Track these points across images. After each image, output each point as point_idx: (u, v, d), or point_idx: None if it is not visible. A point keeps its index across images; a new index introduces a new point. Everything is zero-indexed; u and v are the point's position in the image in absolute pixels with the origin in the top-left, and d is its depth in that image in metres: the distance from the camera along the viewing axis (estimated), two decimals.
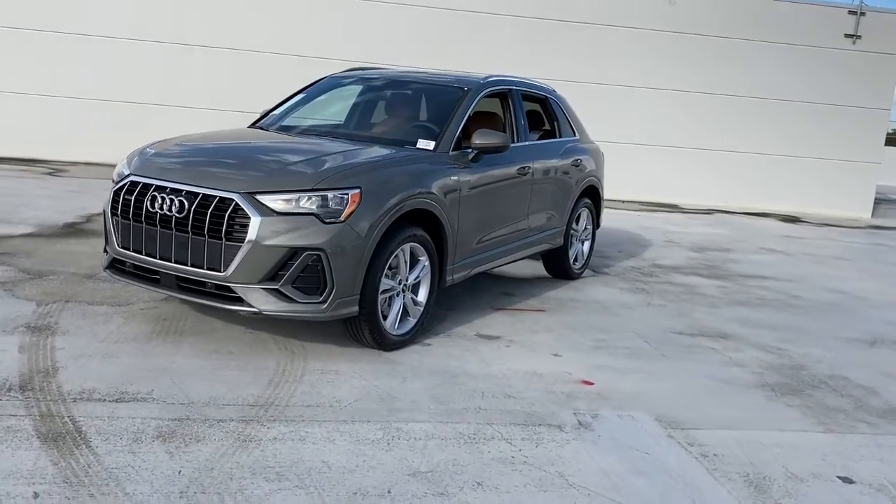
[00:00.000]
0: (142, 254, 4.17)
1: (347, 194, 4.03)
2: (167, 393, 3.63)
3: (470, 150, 4.96)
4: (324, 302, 3.99)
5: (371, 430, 3.42)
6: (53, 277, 5.36)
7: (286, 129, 5.35)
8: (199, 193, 4.00)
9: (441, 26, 13.04)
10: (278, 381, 3.88)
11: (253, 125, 5.59)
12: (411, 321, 4.59)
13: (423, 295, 4.65)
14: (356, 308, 4.12)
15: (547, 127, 6.48)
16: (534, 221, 5.86)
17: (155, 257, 4.12)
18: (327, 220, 3.95)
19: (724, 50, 13.83)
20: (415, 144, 4.85)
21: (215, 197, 3.95)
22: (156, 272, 4.15)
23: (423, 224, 4.56)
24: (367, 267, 4.12)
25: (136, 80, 12.41)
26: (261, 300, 3.94)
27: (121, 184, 4.31)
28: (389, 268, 4.35)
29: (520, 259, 5.99)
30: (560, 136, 6.48)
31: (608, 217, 10.92)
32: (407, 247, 4.42)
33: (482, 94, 5.41)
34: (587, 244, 6.98)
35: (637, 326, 5.47)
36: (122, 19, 12.34)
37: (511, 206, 5.52)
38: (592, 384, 4.25)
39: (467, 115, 5.16)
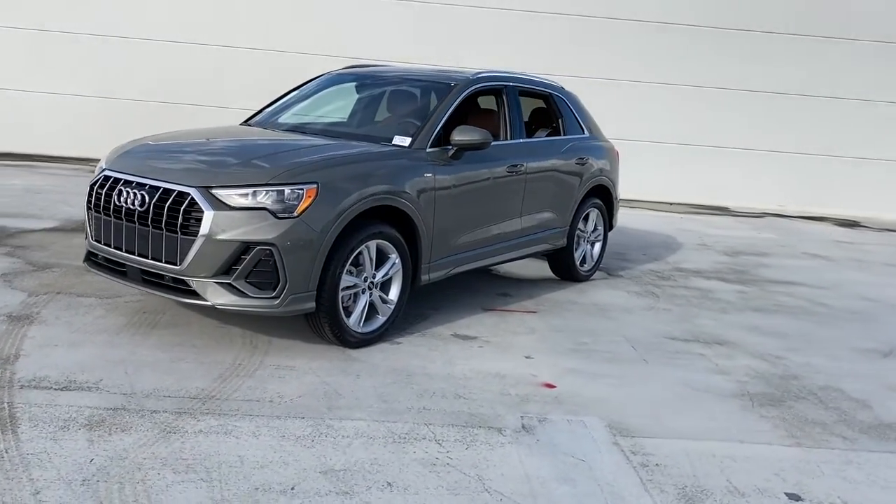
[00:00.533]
0: (111, 247, 4.27)
1: (303, 189, 4.02)
2: (115, 383, 3.69)
3: (450, 147, 4.88)
4: (276, 297, 3.99)
5: (301, 426, 3.40)
6: (56, 270, 5.55)
7: (271, 126, 5.39)
8: (159, 188, 4.06)
9: (487, 23, 12.95)
10: (229, 375, 3.89)
11: (245, 122, 5.65)
12: (380, 319, 4.54)
13: (394, 293, 4.60)
14: (312, 304, 4.10)
15: (555, 125, 6.33)
16: (530, 221, 5.73)
17: (122, 250, 4.21)
18: (280, 216, 3.95)
19: (784, 46, 13.25)
20: (391, 141, 4.80)
21: (174, 191, 4.00)
22: (123, 265, 4.24)
23: (394, 221, 4.51)
24: (325, 263, 4.09)
25: (186, 83, 12.75)
26: (214, 294, 3.97)
27: (96, 178, 4.42)
28: (355, 265, 4.33)
29: (514, 259, 5.86)
30: (564, 134, 6.32)
31: (644, 220, 10.67)
32: (373, 244, 4.37)
33: (469, 90, 5.32)
34: (598, 246, 6.79)
35: (630, 330, 5.27)
36: (173, 23, 12.72)
37: (500, 205, 5.40)
38: (554, 387, 4.11)
39: (450, 111, 5.08)
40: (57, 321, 4.47)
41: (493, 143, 5.44)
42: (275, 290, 3.98)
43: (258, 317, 4.53)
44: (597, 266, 6.81)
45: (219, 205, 3.93)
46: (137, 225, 4.10)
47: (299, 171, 4.11)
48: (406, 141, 4.78)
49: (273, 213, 3.94)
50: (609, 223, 6.94)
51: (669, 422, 3.79)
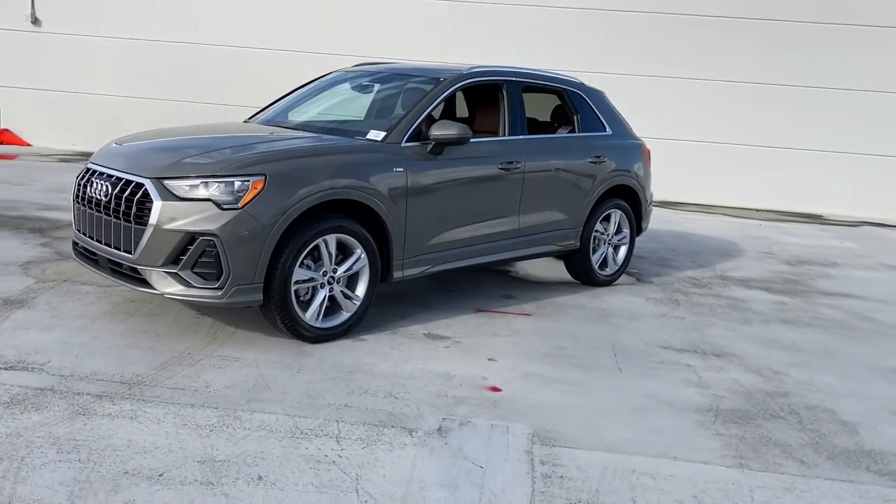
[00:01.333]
0: (86, 236, 4.45)
1: (249, 181, 4.04)
2: (59, 365, 3.83)
3: (429, 142, 4.77)
4: (220, 288, 4.02)
5: (209, 416, 3.40)
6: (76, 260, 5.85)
7: (266, 123, 5.45)
8: (121, 178, 4.20)
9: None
10: (172, 364, 3.96)
11: (247, 119, 5.76)
12: (344, 315, 4.49)
13: (361, 289, 4.54)
14: (259, 296, 4.11)
15: (570, 121, 6.09)
16: (530, 220, 5.52)
17: (93, 239, 4.38)
18: (225, 207, 3.98)
19: (889, 39, 12.19)
20: (366, 135, 4.76)
21: (132, 182, 4.12)
22: (95, 254, 4.41)
23: (360, 216, 4.46)
24: (273, 255, 4.09)
25: (254, 83, 12.65)
26: (163, 283, 4.05)
27: (81, 170, 4.63)
28: (314, 258, 4.31)
29: (512, 259, 5.65)
30: (580, 131, 6.05)
31: (717, 226, 10.10)
32: (332, 238, 4.33)
33: (456, 86, 5.20)
34: (623, 249, 6.45)
35: (622, 337, 4.97)
36: (245, 31, 13.07)
37: (490, 203, 5.23)
38: (500, 391, 3.93)
39: (432, 106, 4.98)
40: (45, 306, 4.70)
41: (489, 140, 5.34)
42: (218, 280, 4.02)
43: (231, 308, 4.58)
44: (621, 270, 6.47)
45: (168, 195, 4.01)
46: (103, 215, 4.25)
47: (247, 163, 4.14)
48: (380, 135, 4.72)
49: (218, 205, 3.98)
50: (637, 226, 6.59)
51: (607, 433, 3.52)
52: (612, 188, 6.19)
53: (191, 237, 3.98)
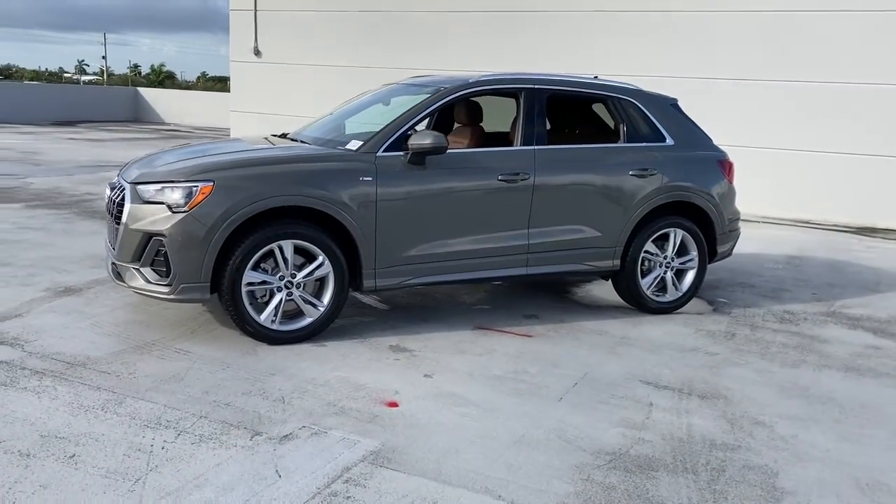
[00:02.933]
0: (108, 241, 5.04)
1: (197, 187, 4.32)
2: (39, 344, 4.39)
3: (408, 153, 4.72)
4: (169, 285, 4.34)
5: (100, 398, 3.69)
6: None
7: (292, 135, 5.71)
8: (117, 185, 4.72)
9: None
10: (128, 351, 4.36)
11: (277, 134, 5.94)
12: (306, 320, 4.60)
13: (326, 297, 4.61)
14: (206, 294, 4.36)
15: (614, 131, 5.61)
16: (545, 237, 5.18)
17: (108, 241, 4.95)
18: (175, 210, 4.30)
19: None
20: (346, 145, 4.83)
21: (122, 187, 4.62)
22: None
23: (326, 223, 4.54)
24: (221, 257, 4.32)
25: None
26: (130, 278, 4.48)
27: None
28: (273, 263, 4.47)
29: (522, 277, 5.26)
30: (627, 141, 5.54)
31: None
32: (288, 243, 4.46)
33: (455, 95, 5.08)
34: (689, 275, 5.76)
35: (608, 368, 4.49)
36: None
37: (490, 217, 5.00)
38: (396, 406, 3.77)
39: (420, 115, 4.92)
40: (88, 297, 5.38)
41: (488, 151, 5.19)
42: (168, 277, 4.34)
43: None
44: (686, 298, 5.78)
45: (137, 199, 4.43)
46: (111, 218, 4.80)
47: (199, 171, 4.43)
48: (356, 145, 4.77)
49: (170, 207, 4.32)
50: (711, 249, 5.85)
51: (455, 462, 3.24)
52: (668, 204, 5.58)
53: (148, 237, 4.35)
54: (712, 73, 11.41)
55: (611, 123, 5.75)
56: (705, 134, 5.96)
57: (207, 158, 4.69)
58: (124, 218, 4.43)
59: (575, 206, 5.27)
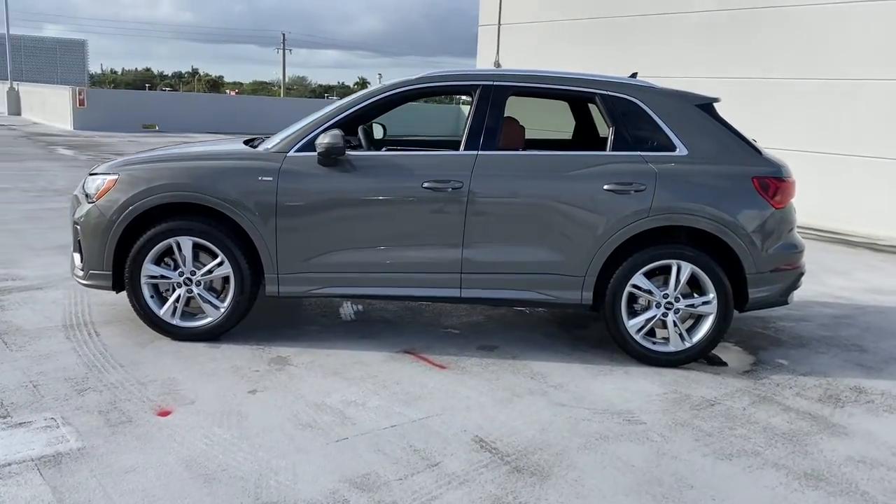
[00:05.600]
0: None
1: (104, 180, 4.54)
2: (25, 317, 4.94)
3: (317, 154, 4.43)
4: (83, 270, 4.63)
5: None
6: None
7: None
8: None
9: None
10: (74, 327, 4.75)
11: None
12: (205, 318, 4.58)
13: (228, 297, 4.55)
14: (109, 283, 4.56)
15: (608, 135, 4.59)
16: (484, 255, 4.45)
17: None
18: (88, 200, 4.58)
19: None
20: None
21: None
22: None
23: (227, 222, 4.48)
24: (119, 247, 4.49)
25: None
26: (71, 265, 4.86)
27: None
28: (176, 259, 4.53)
29: (455, 301, 4.53)
30: (614, 149, 4.50)
31: None
32: (186, 240, 4.47)
33: (389, 93, 4.64)
34: (707, 322, 4.48)
35: (455, 420, 3.71)
36: None
37: (412, 228, 4.44)
38: (166, 415, 3.57)
39: (342, 115, 4.56)
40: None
41: (413, 154, 4.71)
42: (83, 263, 4.63)
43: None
44: (695, 351, 4.52)
45: (81, 189, 4.80)
46: None
47: (114, 166, 4.65)
48: (271, 143, 4.60)
49: (86, 197, 4.61)
50: (740, 292, 4.50)
51: (128, 483, 2.97)
52: (667, 229, 4.44)
53: (74, 225, 4.69)
54: None
55: (605, 128, 4.72)
56: (750, 144, 4.59)
57: (138, 155, 4.90)
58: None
59: (525, 222, 4.44)
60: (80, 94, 24.89)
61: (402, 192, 4.45)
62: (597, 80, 4.68)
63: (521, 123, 4.89)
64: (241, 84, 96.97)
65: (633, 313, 4.54)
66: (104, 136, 22.31)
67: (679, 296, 4.48)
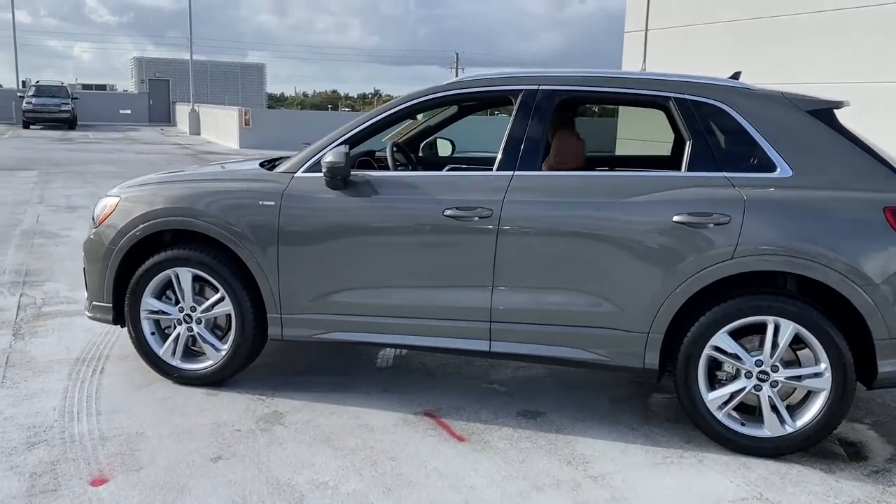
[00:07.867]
0: None
1: (107, 203, 4.12)
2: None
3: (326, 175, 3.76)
4: (88, 300, 4.23)
5: None
6: None
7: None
8: None
9: None
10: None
11: None
12: (207, 361, 4.04)
13: (229, 339, 3.97)
14: (110, 317, 4.12)
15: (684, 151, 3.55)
16: (519, 302, 3.57)
17: None
18: (94, 225, 4.18)
19: None
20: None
21: None
22: None
23: (228, 253, 3.91)
24: (119, 278, 4.04)
25: None
26: None
27: None
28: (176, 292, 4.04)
29: (481, 355, 3.69)
30: (692, 169, 3.46)
31: None
32: (185, 272, 3.95)
33: (414, 102, 3.88)
34: (817, 401, 3.34)
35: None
36: None
37: (436, 264, 3.65)
38: (100, 484, 3.02)
39: (357, 129, 3.85)
40: None
41: (436, 175, 4.05)
42: (87, 293, 4.24)
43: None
44: (801, 438, 3.37)
45: (92, 213, 4.42)
46: None
47: (121, 187, 4.22)
48: (285, 164, 3.97)
49: (92, 222, 4.21)
50: (867, 363, 3.31)
51: None
52: (767, 274, 3.36)
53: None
54: None
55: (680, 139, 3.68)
56: (887, 164, 3.38)
57: (153, 174, 4.45)
58: None
59: (570, 261, 3.51)
60: (245, 114, 26.02)
61: (419, 219, 3.67)
62: (671, 80, 3.66)
63: (580, 137, 3.98)
64: None
65: (714, 384, 3.47)
66: (264, 154, 23.18)
67: (777, 364, 3.36)
